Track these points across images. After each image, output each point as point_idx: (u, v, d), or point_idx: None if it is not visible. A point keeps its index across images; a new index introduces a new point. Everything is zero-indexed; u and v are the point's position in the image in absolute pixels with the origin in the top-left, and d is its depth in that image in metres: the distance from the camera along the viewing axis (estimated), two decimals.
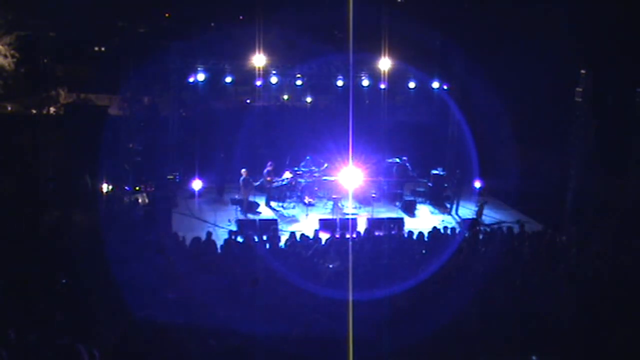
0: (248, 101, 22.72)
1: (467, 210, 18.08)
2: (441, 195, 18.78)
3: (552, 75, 18.42)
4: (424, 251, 12.78)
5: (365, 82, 19.94)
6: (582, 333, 8.33)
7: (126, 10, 25.82)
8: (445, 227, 14.82)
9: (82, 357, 5.36)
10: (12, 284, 8.87)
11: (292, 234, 13.53)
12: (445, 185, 18.89)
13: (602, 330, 8.26)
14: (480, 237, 14.19)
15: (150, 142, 19.15)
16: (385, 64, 19.24)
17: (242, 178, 17.16)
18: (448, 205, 18.38)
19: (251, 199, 17.43)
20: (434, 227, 14.25)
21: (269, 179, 17.74)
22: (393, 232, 15.01)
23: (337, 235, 13.84)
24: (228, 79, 19.08)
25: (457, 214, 17.92)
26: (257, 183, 17.49)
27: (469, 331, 8.32)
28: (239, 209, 16.93)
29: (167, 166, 18.44)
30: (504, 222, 16.65)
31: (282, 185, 17.82)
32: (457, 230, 14.99)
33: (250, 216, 16.72)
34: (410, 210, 17.87)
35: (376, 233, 14.66)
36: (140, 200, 17.04)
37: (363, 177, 17.33)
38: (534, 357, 7.69)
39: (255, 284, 9.69)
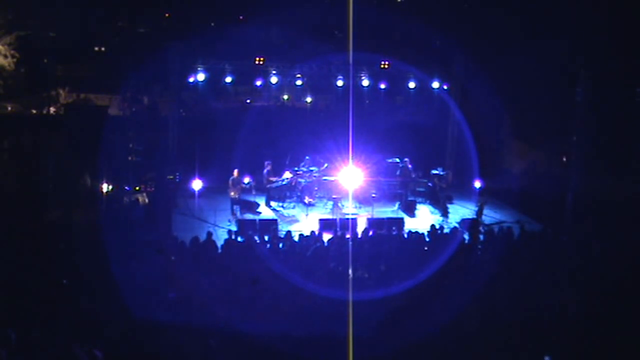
0: (248, 101, 22.71)
1: (467, 210, 18.08)
2: (441, 195, 18.77)
3: (552, 75, 18.41)
4: (426, 248, 12.81)
5: (365, 82, 19.93)
6: (583, 333, 8.33)
7: (126, 10, 25.81)
8: (441, 227, 14.89)
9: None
10: (12, 283, 8.87)
11: (289, 232, 13.53)
12: (444, 185, 18.91)
13: (603, 330, 8.26)
14: (481, 237, 14.18)
15: (150, 142, 19.15)
16: (384, 63, 19.20)
17: (231, 178, 17.09)
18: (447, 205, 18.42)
19: (251, 198, 17.42)
20: (432, 225, 14.28)
21: (271, 179, 17.74)
22: (393, 233, 15.02)
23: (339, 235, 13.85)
24: (228, 79, 19.06)
25: (445, 214, 17.92)
26: (247, 184, 17.37)
27: (469, 331, 8.32)
28: (239, 208, 16.93)
29: (167, 166, 18.43)
30: (504, 222, 16.63)
31: (282, 185, 17.81)
32: (451, 230, 15.03)
33: (250, 216, 16.71)
34: (410, 210, 17.87)
35: (376, 233, 14.68)
36: (140, 200, 17.04)
37: (363, 177, 17.32)
38: (546, 358, 7.69)
39: (255, 283, 9.70)
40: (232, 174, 17.08)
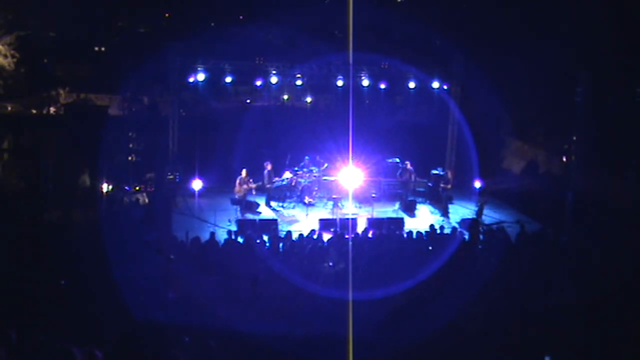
0: (248, 101, 22.71)
1: (467, 210, 18.07)
2: (442, 195, 18.77)
3: (552, 76, 18.40)
4: (430, 247, 12.83)
5: (365, 82, 19.94)
6: (583, 333, 8.33)
7: (126, 10, 25.78)
8: (441, 227, 14.89)
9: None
10: (12, 283, 8.87)
11: (289, 232, 13.53)
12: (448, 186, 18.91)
13: (603, 331, 8.26)
14: (481, 237, 14.19)
15: (150, 142, 19.16)
16: (385, 64, 19.20)
17: (239, 177, 17.07)
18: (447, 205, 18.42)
19: (251, 198, 17.40)
20: (431, 225, 14.30)
21: (275, 179, 17.74)
22: (395, 232, 15.02)
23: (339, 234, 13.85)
24: (228, 79, 19.08)
25: (445, 214, 17.93)
26: (255, 185, 17.37)
27: (469, 331, 8.32)
28: (238, 208, 16.93)
29: (167, 166, 18.45)
30: (504, 222, 16.63)
31: (282, 185, 17.81)
32: (452, 230, 15.02)
33: (250, 216, 16.71)
34: (410, 210, 17.87)
35: (376, 233, 14.67)
36: (140, 200, 17.04)
37: (363, 177, 17.33)
38: (546, 358, 7.70)
39: (255, 284, 9.70)
40: (240, 174, 17.06)
